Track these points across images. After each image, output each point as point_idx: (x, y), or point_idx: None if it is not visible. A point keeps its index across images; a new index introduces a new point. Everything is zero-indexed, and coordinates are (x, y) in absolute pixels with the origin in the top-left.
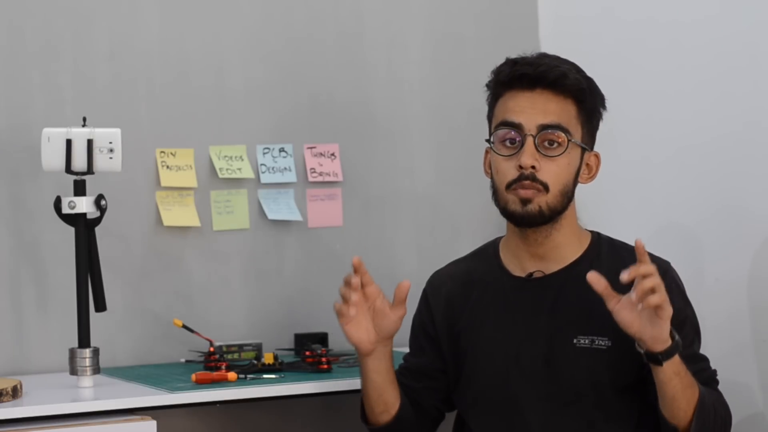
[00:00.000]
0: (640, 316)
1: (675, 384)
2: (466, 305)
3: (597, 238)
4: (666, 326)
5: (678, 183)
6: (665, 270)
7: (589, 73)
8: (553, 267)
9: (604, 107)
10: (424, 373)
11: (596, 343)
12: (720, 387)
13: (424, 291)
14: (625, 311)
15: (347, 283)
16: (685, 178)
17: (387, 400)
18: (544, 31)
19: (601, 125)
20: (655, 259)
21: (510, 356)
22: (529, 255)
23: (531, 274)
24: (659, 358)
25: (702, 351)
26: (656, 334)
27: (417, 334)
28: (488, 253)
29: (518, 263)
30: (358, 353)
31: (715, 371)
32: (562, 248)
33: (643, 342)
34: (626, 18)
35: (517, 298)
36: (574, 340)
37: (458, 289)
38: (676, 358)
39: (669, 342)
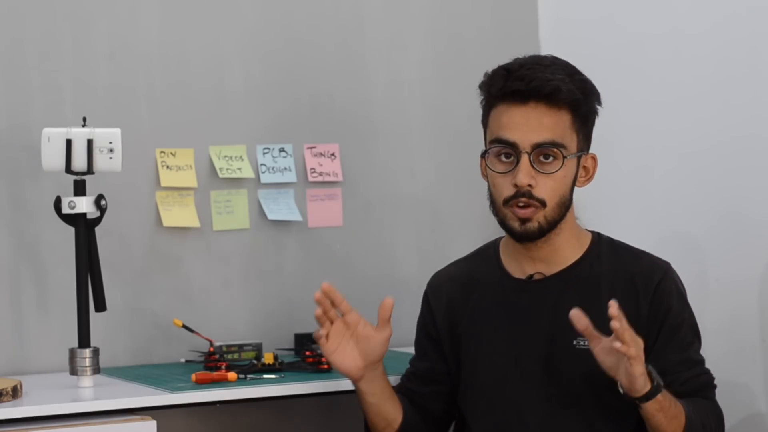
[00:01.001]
0: (620, 363)
1: (659, 418)
2: (466, 306)
3: (597, 239)
4: (637, 381)
5: (680, 189)
6: (665, 271)
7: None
8: (553, 269)
9: (600, 104)
10: (430, 377)
11: None
12: (722, 388)
13: (425, 293)
14: (606, 355)
15: (319, 303)
16: (687, 184)
17: (387, 417)
18: (544, 34)
19: (602, 132)
20: (654, 260)
21: (510, 358)
22: (529, 258)
23: (531, 276)
24: (636, 403)
25: (704, 352)
26: (630, 384)
27: (420, 336)
28: (489, 253)
29: (518, 265)
30: (350, 380)
31: (711, 377)
32: (562, 250)
33: (624, 386)
34: (626, 23)
35: (517, 300)
36: (574, 342)
37: (458, 290)
38: (659, 396)
39: (646, 388)
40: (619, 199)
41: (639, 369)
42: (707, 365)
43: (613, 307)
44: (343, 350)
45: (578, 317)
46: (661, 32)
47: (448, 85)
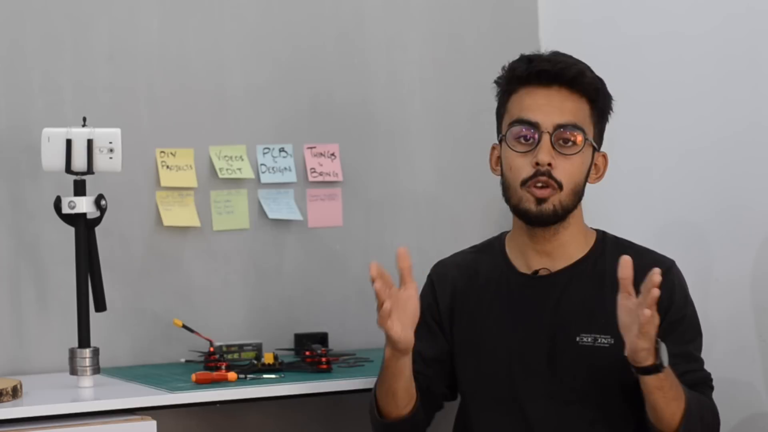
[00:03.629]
0: (632, 326)
1: (657, 396)
2: (470, 298)
3: (602, 237)
4: (639, 354)
5: (682, 184)
6: (668, 268)
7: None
8: (558, 264)
9: (612, 109)
10: (435, 358)
11: (599, 341)
12: (722, 387)
13: (429, 277)
14: (625, 313)
15: (377, 281)
16: (689, 180)
17: (412, 391)
18: (545, 35)
19: (607, 127)
20: (658, 257)
21: (513, 353)
22: (536, 252)
23: (536, 272)
24: (634, 371)
25: (705, 350)
26: (632, 353)
27: (425, 317)
28: (494, 247)
29: (524, 260)
30: (396, 352)
31: (708, 374)
32: (569, 246)
33: (627, 350)
34: (626, 25)
35: (522, 295)
36: (577, 338)
37: (464, 281)
38: (660, 374)
39: (647, 362)
40: (620, 198)
41: (643, 344)
42: (708, 363)
43: (656, 275)
44: (398, 319)
45: (625, 265)
46: (661, 33)
47: (448, 86)
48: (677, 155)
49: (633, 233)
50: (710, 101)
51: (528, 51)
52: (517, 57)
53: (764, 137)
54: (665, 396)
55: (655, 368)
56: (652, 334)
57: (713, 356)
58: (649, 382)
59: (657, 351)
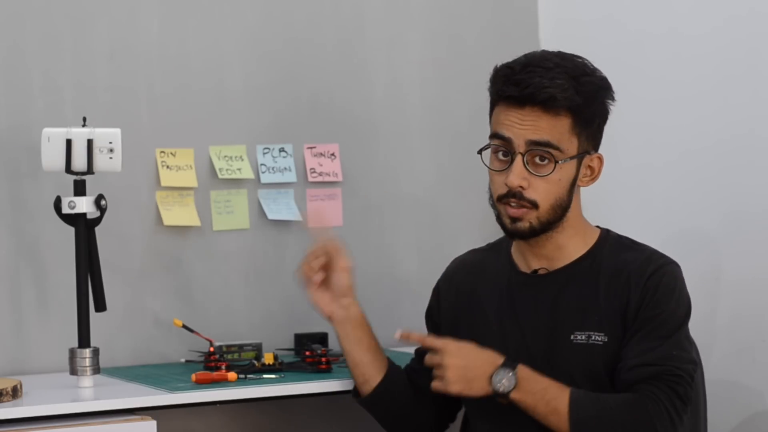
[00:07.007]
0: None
1: (530, 412)
2: (474, 296)
3: (605, 235)
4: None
5: (682, 186)
6: (659, 266)
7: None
8: (557, 264)
9: (612, 99)
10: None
11: (593, 338)
12: (725, 387)
13: (438, 280)
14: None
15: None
16: (689, 182)
17: (364, 372)
18: (544, 33)
19: (605, 129)
20: (654, 256)
21: (511, 352)
22: (534, 254)
23: (536, 271)
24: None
25: (707, 352)
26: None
27: (426, 323)
28: (502, 246)
29: (524, 260)
30: (335, 323)
31: (671, 369)
32: (566, 248)
33: None
34: (626, 22)
35: (520, 294)
36: (571, 337)
37: (466, 279)
38: (513, 395)
39: (482, 391)
40: (621, 197)
41: (437, 387)
42: (709, 364)
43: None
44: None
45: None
46: (661, 31)
47: (448, 85)
48: (678, 155)
49: (634, 235)
50: (710, 101)
51: (528, 51)
52: (516, 56)
53: (764, 141)
54: (537, 413)
55: (494, 395)
56: (444, 376)
57: (715, 357)
58: (512, 400)
59: (491, 377)
